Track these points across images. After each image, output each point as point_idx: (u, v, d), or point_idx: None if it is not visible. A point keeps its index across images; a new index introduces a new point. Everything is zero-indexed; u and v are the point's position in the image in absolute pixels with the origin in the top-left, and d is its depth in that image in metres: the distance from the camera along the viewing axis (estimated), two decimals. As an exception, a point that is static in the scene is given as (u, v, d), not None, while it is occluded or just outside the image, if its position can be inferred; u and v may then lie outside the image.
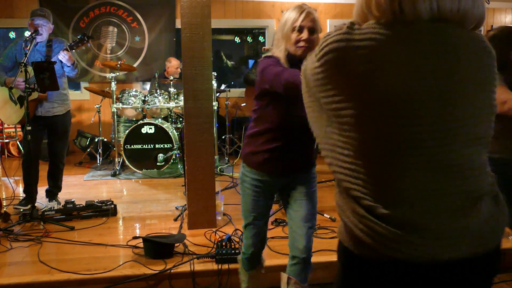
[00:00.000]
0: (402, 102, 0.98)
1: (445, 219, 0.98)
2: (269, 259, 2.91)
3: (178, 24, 6.57)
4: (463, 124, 1.00)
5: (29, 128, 3.46)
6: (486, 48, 1.05)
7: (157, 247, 2.93)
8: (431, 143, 0.98)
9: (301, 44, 2.00)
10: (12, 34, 6.73)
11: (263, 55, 4.11)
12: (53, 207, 3.78)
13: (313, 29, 2.03)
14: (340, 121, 1.04)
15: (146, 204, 4.18)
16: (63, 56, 3.75)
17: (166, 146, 5.31)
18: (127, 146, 5.30)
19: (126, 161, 5.32)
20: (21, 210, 3.76)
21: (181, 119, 5.64)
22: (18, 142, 6.16)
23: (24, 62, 3.49)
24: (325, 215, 3.67)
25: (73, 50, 3.89)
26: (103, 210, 3.77)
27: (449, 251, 0.97)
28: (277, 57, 2.07)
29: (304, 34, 2.00)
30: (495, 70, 1.06)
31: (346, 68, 1.01)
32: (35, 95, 3.74)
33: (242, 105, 6.54)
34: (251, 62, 7.99)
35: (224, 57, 7.75)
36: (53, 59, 3.73)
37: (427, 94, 0.98)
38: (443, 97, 0.99)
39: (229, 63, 7.86)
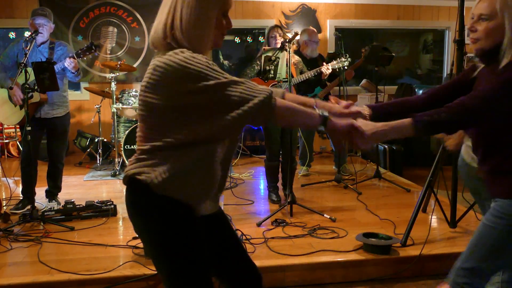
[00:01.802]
0: None
1: None
2: (269, 259, 2.91)
3: (178, 24, 6.56)
4: None
5: (28, 128, 3.46)
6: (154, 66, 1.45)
7: (157, 247, 2.92)
8: None
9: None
10: (12, 35, 6.73)
11: (263, 55, 4.09)
12: (53, 208, 3.78)
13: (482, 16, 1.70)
14: None
15: (146, 204, 4.17)
16: (69, 63, 3.75)
17: (166, 146, 5.30)
18: (127, 146, 5.30)
19: (126, 161, 5.31)
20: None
21: (181, 119, 5.63)
22: (18, 143, 6.15)
23: (24, 62, 3.49)
24: (325, 215, 3.67)
25: (80, 58, 3.90)
26: (103, 211, 3.77)
27: None
28: None
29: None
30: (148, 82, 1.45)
31: None
32: (37, 98, 3.74)
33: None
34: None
35: (221, 57, 7.75)
36: (57, 64, 3.73)
37: None
38: None
39: (226, 63, 7.85)
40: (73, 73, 3.84)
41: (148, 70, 1.46)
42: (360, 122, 1.60)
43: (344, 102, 1.78)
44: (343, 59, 4.39)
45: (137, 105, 1.64)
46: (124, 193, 1.56)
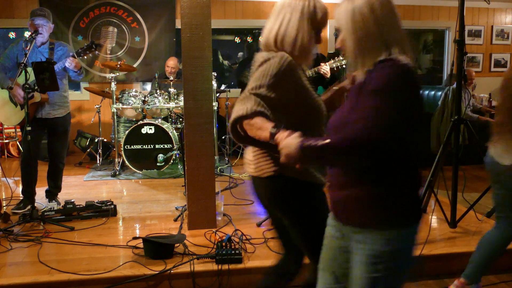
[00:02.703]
0: None
1: None
2: (270, 259, 2.90)
3: (178, 24, 6.57)
4: None
5: (29, 128, 3.46)
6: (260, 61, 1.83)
7: (157, 247, 2.92)
8: None
9: None
10: (12, 35, 6.73)
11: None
12: (53, 208, 3.77)
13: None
14: None
15: (146, 204, 4.18)
16: (70, 63, 3.75)
17: (166, 146, 5.31)
18: (127, 147, 5.30)
19: (126, 162, 5.31)
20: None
21: (181, 119, 5.63)
22: (18, 143, 6.16)
23: (24, 62, 3.49)
24: (325, 215, 3.66)
25: (80, 57, 3.90)
26: (103, 211, 3.77)
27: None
28: None
29: None
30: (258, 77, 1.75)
31: None
32: (38, 98, 3.74)
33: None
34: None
35: (221, 57, 7.74)
36: (57, 64, 3.73)
37: None
38: None
39: (226, 62, 7.86)
40: (75, 72, 3.85)
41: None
42: (287, 140, 1.45)
43: None
44: (340, 58, 4.39)
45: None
46: (263, 186, 1.89)
